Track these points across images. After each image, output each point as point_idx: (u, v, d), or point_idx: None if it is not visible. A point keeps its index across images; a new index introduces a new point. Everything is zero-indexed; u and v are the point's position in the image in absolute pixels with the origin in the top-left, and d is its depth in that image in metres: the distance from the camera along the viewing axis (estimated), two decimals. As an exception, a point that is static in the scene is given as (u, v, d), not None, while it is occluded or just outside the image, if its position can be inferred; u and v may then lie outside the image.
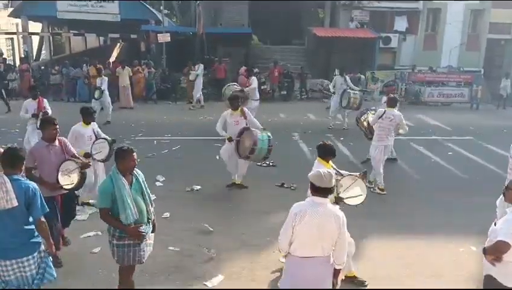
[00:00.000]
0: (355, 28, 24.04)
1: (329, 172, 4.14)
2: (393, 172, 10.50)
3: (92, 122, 7.47)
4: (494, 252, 3.99)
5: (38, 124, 8.30)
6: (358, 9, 24.45)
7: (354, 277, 5.70)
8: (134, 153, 4.79)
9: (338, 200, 5.08)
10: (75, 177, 5.89)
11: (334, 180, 4.12)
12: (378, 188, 8.97)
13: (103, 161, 7.17)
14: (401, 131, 9.08)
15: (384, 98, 10.84)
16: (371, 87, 21.90)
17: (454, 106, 20.07)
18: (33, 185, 4.34)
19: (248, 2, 23.64)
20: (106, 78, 14.56)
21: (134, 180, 4.82)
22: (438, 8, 24.59)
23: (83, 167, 6.00)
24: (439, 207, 8.27)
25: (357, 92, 13.98)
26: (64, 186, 5.79)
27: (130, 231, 4.63)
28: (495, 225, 4.14)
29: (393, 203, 8.47)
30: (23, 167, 4.48)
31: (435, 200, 8.65)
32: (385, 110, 8.87)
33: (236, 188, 8.83)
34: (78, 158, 6.14)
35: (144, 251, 4.81)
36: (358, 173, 5.43)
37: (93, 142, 7.15)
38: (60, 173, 5.74)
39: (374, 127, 9.17)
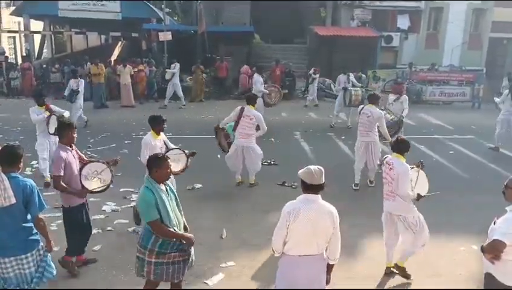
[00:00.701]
0: (356, 27, 24.02)
1: (319, 168, 4.11)
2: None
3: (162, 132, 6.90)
4: (491, 251, 4.00)
5: (49, 129, 8.28)
6: (360, 8, 24.42)
7: (403, 268, 5.86)
8: (168, 160, 4.53)
9: (419, 198, 5.59)
10: (107, 177, 5.76)
11: (323, 177, 4.08)
12: (354, 184, 9.09)
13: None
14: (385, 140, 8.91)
15: (392, 97, 10.86)
16: (372, 86, 21.87)
17: (456, 105, 20.02)
18: (30, 182, 4.33)
19: (250, 1, 23.62)
20: (83, 81, 13.95)
21: (168, 189, 4.54)
22: (440, 6, 24.54)
23: (113, 164, 5.95)
24: (440, 206, 8.23)
25: (358, 88, 14.02)
26: (94, 190, 5.64)
27: (187, 238, 4.41)
28: (494, 223, 4.15)
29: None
30: (21, 165, 4.44)
31: (435, 199, 8.58)
32: (363, 106, 8.99)
33: (248, 187, 8.95)
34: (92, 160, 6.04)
35: (184, 266, 4.52)
36: (415, 164, 5.88)
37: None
38: (83, 177, 5.55)
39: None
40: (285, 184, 8.96)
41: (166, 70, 17.90)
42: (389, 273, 5.90)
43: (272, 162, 10.27)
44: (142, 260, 4.39)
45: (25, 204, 4.25)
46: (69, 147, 5.58)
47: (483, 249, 4.08)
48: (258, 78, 13.61)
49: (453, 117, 16.98)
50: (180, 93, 17.74)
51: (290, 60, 22.99)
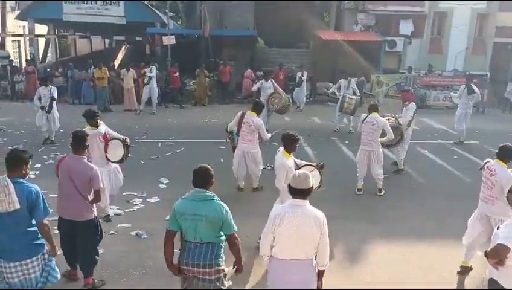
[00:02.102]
0: (360, 32, 24.02)
1: (304, 173, 4.11)
2: (398, 175, 10.46)
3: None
4: (495, 256, 3.97)
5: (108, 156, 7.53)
6: (363, 12, 24.42)
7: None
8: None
9: None
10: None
11: (310, 181, 4.07)
12: (357, 189, 9.12)
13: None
14: (384, 138, 8.94)
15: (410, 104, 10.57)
16: (376, 91, 21.87)
17: (460, 110, 19.94)
18: (35, 188, 4.32)
19: (253, 5, 23.67)
20: (55, 88, 12.72)
21: None
22: (443, 11, 24.51)
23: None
24: (443, 211, 8.23)
25: (353, 97, 13.84)
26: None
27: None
28: (498, 229, 4.13)
29: (397, 207, 8.44)
30: (27, 171, 4.43)
31: (439, 204, 8.61)
32: (367, 115, 8.86)
33: (251, 191, 8.98)
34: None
35: None
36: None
37: None
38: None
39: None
40: (268, 167, 8.91)
41: (146, 75, 17.14)
42: (463, 272, 6.07)
43: (269, 167, 10.25)
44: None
45: (30, 210, 4.24)
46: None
47: (487, 254, 4.06)
48: (266, 84, 13.64)
49: (457, 122, 16.91)
50: (155, 99, 17.36)
51: (293, 64, 23.01)
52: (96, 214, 5.43)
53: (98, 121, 7.13)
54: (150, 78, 16.95)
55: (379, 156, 8.90)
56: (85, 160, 5.31)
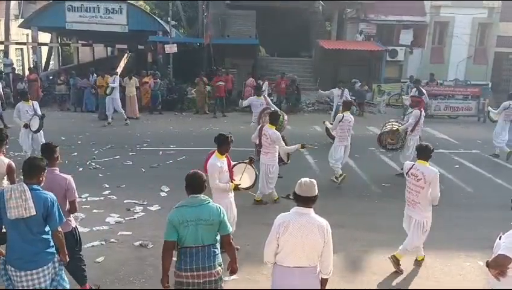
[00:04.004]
0: (362, 41, 24.11)
1: (310, 180, 4.12)
2: (399, 185, 10.42)
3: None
4: (496, 266, 3.94)
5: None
6: (365, 22, 24.53)
7: None
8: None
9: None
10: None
11: (316, 189, 4.08)
12: (335, 177, 10.11)
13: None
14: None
15: (411, 110, 11.23)
16: (377, 100, 21.89)
17: (461, 119, 19.96)
18: (51, 195, 4.37)
19: (255, 14, 23.79)
20: (37, 103, 11.05)
21: None
22: (445, 21, 24.61)
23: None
24: (445, 221, 8.19)
25: None
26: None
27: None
28: (500, 239, 4.10)
29: (398, 216, 8.39)
30: (43, 178, 4.46)
31: (440, 213, 8.56)
32: (343, 114, 10.00)
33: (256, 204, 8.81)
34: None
35: None
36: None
37: None
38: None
39: (334, 132, 10.53)
40: (290, 197, 8.88)
41: (109, 84, 16.40)
42: None
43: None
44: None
45: (45, 217, 4.28)
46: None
47: (488, 265, 4.03)
48: (257, 102, 12.35)
49: (459, 131, 16.93)
50: (120, 109, 16.55)
51: (295, 73, 23.05)
52: (73, 226, 5.33)
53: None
54: (113, 88, 16.24)
55: (348, 149, 10.39)
56: (57, 171, 5.13)
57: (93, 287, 5.56)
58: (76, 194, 5.18)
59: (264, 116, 11.07)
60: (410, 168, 6.26)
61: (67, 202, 5.11)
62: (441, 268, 6.45)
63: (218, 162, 6.21)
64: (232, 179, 6.44)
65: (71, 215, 5.27)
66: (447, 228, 7.84)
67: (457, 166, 12.17)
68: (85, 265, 5.47)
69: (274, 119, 8.71)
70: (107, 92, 16.31)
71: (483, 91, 20.64)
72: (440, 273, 6.31)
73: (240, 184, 6.59)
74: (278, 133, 8.62)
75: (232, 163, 6.61)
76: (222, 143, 6.29)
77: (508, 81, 25.18)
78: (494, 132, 13.08)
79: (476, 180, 10.98)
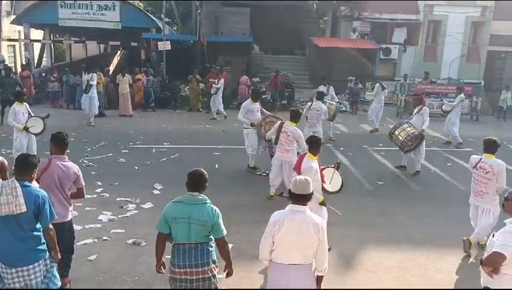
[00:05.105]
0: (356, 39, 24.13)
1: (305, 178, 4.14)
2: (392, 182, 10.48)
3: None
4: (490, 264, 3.97)
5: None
6: (359, 20, 24.55)
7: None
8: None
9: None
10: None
11: (310, 187, 4.10)
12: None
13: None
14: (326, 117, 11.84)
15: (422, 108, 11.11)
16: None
17: (454, 117, 20.02)
18: (42, 192, 4.36)
19: (249, 12, 23.75)
20: (27, 104, 10.00)
21: None
22: (438, 19, 24.69)
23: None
24: (437, 218, 8.24)
25: (333, 102, 13.84)
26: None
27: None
28: (493, 236, 4.12)
29: (392, 214, 8.43)
30: (35, 175, 4.48)
31: (433, 211, 8.61)
32: (312, 102, 11.52)
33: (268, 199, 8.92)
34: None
35: None
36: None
37: None
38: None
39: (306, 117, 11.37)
40: (284, 195, 8.90)
41: (91, 83, 15.80)
42: None
43: (264, 173, 10.23)
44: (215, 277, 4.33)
45: (36, 214, 4.27)
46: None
47: (482, 262, 4.05)
48: (254, 107, 10.63)
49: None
50: (94, 109, 15.82)
51: (289, 71, 23.05)
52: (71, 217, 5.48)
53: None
54: (91, 86, 15.72)
55: (319, 132, 10.97)
56: (67, 159, 5.30)
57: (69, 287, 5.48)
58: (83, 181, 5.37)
59: (267, 125, 10.05)
60: (478, 162, 6.72)
61: (76, 189, 5.35)
62: (434, 266, 6.47)
63: (313, 164, 6.23)
64: (322, 181, 6.43)
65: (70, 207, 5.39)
66: (440, 226, 7.87)
67: (449, 164, 12.22)
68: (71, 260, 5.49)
69: (295, 116, 8.68)
70: (85, 90, 15.82)
71: (475, 90, 20.72)
72: (433, 271, 6.33)
73: (329, 188, 6.53)
74: (300, 130, 8.70)
75: (321, 166, 6.57)
76: (314, 144, 6.37)
77: (500, 79, 25.26)
78: (454, 122, 14.19)
79: (468, 178, 10.98)
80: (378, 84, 16.42)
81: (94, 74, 16.24)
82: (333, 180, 6.57)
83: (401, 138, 10.47)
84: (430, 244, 7.11)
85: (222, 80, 17.78)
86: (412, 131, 10.35)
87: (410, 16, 24.39)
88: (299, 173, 6.18)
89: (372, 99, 16.90)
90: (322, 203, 6.33)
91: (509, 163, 12.19)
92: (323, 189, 6.40)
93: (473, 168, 6.78)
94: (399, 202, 9.09)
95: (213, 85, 17.58)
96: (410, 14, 24.34)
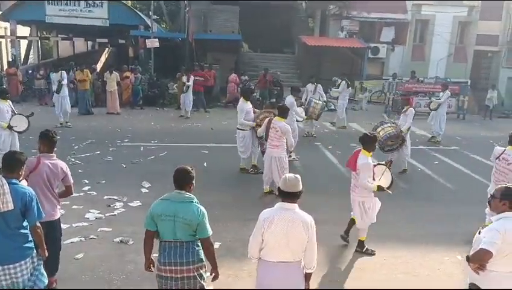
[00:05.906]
0: (344, 38, 24.22)
1: (295, 176, 4.14)
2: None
3: None
4: (477, 261, 4.00)
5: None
6: (347, 19, 24.65)
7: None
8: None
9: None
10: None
11: (300, 185, 4.10)
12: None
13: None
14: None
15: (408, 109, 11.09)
16: (359, 97, 22.04)
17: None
18: (30, 190, 4.33)
19: (238, 9, 23.73)
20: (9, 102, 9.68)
21: None
22: (426, 19, 24.86)
23: None
24: (424, 216, 8.30)
25: (319, 102, 13.63)
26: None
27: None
28: (479, 233, 4.15)
29: (379, 211, 8.46)
30: (22, 172, 4.44)
31: (420, 209, 8.67)
32: (286, 98, 11.89)
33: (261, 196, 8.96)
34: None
35: None
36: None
37: None
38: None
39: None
40: (273, 193, 8.92)
41: (62, 83, 14.91)
42: None
43: (259, 171, 10.23)
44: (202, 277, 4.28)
45: (23, 212, 4.23)
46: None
47: (468, 259, 4.08)
48: (248, 107, 10.26)
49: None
50: (68, 109, 15.06)
51: (278, 69, 23.07)
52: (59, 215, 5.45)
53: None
54: (62, 85, 14.84)
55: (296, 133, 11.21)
56: (55, 157, 5.27)
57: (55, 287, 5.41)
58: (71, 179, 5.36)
59: (260, 122, 9.77)
60: (502, 154, 6.92)
61: (64, 187, 5.33)
62: (420, 263, 6.52)
63: (369, 160, 6.41)
64: (373, 178, 6.58)
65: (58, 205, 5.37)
66: (427, 223, 7.94)
67: (436, 162, 12.32)
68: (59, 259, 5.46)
69: (283, 112, 8.77)
70: (56, 90, 14.96)
71: (462, 89, 20.93)
72: (419, 268, 6.38)
73: (381, 185, 6.63)
74: (288, 125, 8.76)
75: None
76: (369, 141, 6.48)
77: (487, 79, 25.57)
78: (442, 119, 14.54)
79: (455, 176, 11.13)
80: (344, 81, 16.61)
81: (63, 72, 15.34)
82: (383, 177, 6.71)
83: (379, 137, 10.51)
84: (416, 242, 7.16)
85: (192, 77, 17.50)
86: (390, 131, 10.37)
87: (398, 16, 24.54)
88: (353, 169, 6.48)
89: (337, 96, 16.90)
90: (380, 188, 6.57)
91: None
92: (379, 188, 6.59)
93: (496, 159, 7.00)
94: (386, 200, 9.12)
95: (186, 83, 17.29)
96: (398, 13, 24.49)
